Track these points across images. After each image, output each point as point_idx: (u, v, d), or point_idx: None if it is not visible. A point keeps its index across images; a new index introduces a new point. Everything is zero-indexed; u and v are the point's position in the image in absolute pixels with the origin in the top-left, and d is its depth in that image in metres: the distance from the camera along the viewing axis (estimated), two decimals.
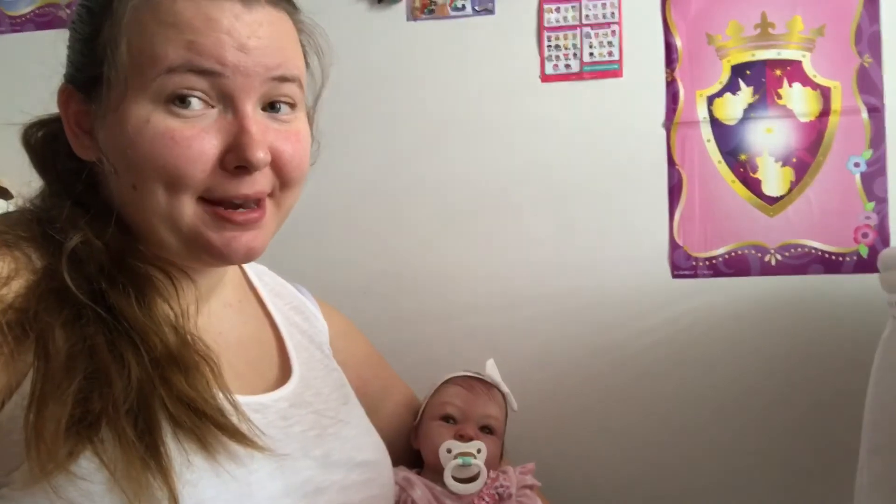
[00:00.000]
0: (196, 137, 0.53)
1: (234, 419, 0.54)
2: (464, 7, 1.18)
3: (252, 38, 0.54)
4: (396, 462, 0.76)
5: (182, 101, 0.53)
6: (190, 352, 0.54)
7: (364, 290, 1.15)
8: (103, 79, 0.54)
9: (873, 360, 0.89)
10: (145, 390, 0.50)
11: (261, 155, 0.54)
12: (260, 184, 0.56)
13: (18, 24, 1.28)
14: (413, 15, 1.19)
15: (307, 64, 0.62)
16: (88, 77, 0.56)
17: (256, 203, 0.57)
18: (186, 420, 0.51)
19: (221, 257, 0.57)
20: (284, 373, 0.67)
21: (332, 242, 1.19)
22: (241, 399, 0.58)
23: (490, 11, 1.17)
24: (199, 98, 0.53)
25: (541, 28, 1.16)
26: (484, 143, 1.17)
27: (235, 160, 0.54)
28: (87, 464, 0.47)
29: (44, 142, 0.61)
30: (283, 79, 0.56)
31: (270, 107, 0.57)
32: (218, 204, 0.56)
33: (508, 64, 1.16)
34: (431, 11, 1.18)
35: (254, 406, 0.59)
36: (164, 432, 0.50)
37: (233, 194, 0.55)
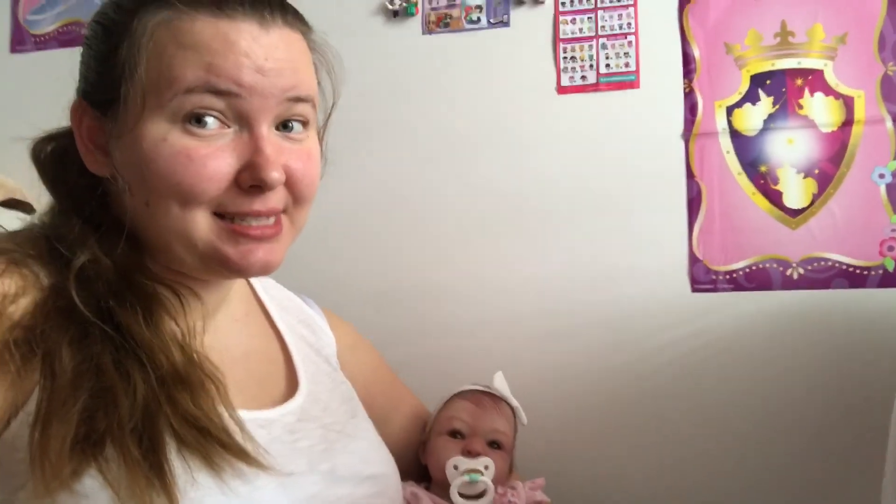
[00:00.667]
0: (212, 156, 0.54)
1: (239, 438, 0.54)
2: (479, 20, 1.18)
3: (269, 61, 0.55)
4: (405, 476, 0.75)
5: (199, 120, 0.54)
6: (196, 370, 0.55)
7: (376, 303, 1.15)
8: (120, 97, 0.55)
9: None
10: (151, 409, 0.50)
11: (275, 175, 0.55)
12: (273, 201, 0.57)
13: (42, 42, 1.32)
14: (428, 28, 1.19)
15: (318, 82, 0.62)
16: (104, 94, 0.56)
17: (270, 217, 0.58)
18: (191, 439, 0.51)
19: (239, 270, 0.57)
20: (291, 386, 0.67)
21: (345, 255, 1.18)
22: (248, 414, 0.58)
23: (505, 24, 1.17)
24: (215, 118, 0.54)
25: (556, 40, 1.16)
26: (500, 156, 1.16)
27: (250, 179, 0.55)
28: (91, 482, 0.47)
29: (53, 157, 0.61)
30: (298, 99, 0.57)
31: (283, 126, 0.58)
32: (231, 219, 0.56)
33: (524, 76, 1.15)
34: (447, 25, 1.19)
35: (260, 421, 0.59)
36: (168, 450, 0.50)
37: (246, 210, 0.56)
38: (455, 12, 1.18)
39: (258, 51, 0.54)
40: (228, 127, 0.55)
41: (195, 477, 0.50)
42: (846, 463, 1.03)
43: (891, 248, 1.07)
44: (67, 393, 0.49)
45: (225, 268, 0.57)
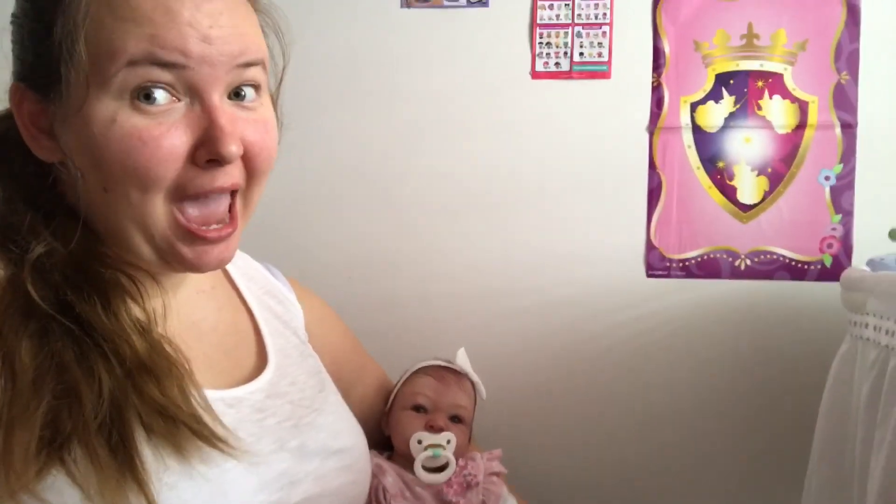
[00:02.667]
0: (165, 136, 0.50)
1: (209, 422, 0.52)
2: None
3: (214, 28, 0.51)
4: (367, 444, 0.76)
5: (147, 96, 0.50)
6: (160, 357, 0.53)
7: (345, 274, 1.14)
8: (61, 78, 0.50)
9: (830, 364, 0.91)
10: (118, 401, 0.48)
11: (233, 148, 0.52)
12: (233, 176, 0.54)
13: None
14: (407, 2, 1.17)
15: (268, 46, 0.59)
16: (43, 76, 0.52)
17: (228, 218, 0.56)
18: (160, 427, 0.49)
19: (193, 268, 0.56)
20: (261, 360, 0.66)
21: (316, 225, 1.16)
22: (216, 394, 0.56)
23: (484, 4, 1.15)
24: (164, 90, 0.50)
25: (533, 24, 1.15)
26: (471, 135, 1.15)
27: (207, 154, 0.52)
28: (59, 484, 0.46)
29: None
30: (248, 64, 0.54)
31: (235, 94, 0.54)
32: (194, 197, 0.53)
33: (499, 58, 1.14)
34: (426, 0, 1.16)
35: (228, 401, 0.58)
36: (138, 441, 0.48)
37: (207, 188, 0.53)
38: None
39: (202, 19, 0.51)
40: (179, 100, 0.51)
41: (167, 464, 0.49)
42: (779, 437, 1.10)
43: (830, 246, 1.12)
44: (29, 396, 0.46)
45: (179, 264, 0.55)
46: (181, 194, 0.53)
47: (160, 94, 0.50)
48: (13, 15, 0.55)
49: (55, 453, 0.46)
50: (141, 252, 0.55)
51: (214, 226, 0.55)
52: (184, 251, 0.54)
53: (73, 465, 0.46)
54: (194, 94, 0.52)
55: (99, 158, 0.50)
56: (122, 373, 0.50)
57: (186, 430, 0.50)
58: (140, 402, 0.49)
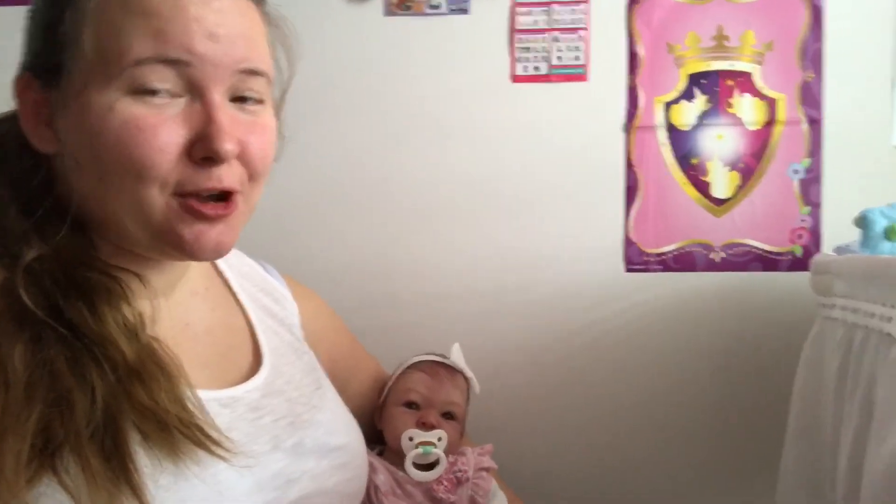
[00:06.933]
0: (162, 125, 0.48)
1: (201, 425, 0.49)
2: (439, 6, 1.12)
3: (221, 27, 0.49)
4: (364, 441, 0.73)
5: (149, 90, 0.48)
6: (149, 359, 0.50)
7: (334, 278, 1.10)
8: (65, 66, 0.49)
9: (802, 349, 0.90)
10: (111, 408, 0.46)
11: (229, 146, 0.49)
12: (229, 178, 0.51)
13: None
14: (389, 10, 1.13)
15: (274, 59, 0.56)
16: (48, 64, 0.50)
17: (226, 197, 0.52)
18: (151, 431, 0.47)
19: (191, 253, 0.52)
20: (256, 359, 0.63)
21: (305, 231, 1.13)
22: (210, 394, 0.53)
23: (465, 11, 1.12)
24: (166, 86, 0.49)
25: (512, 30, 1.12)
26: (454, 140, 1.12)
27: (203, 151, 0.49)
28: (52, 493, 0.43)
29: None
30: (252, 72, 0.52)
31: (238, 99, 0.52)
32: (189, 195, 0.50)
33: (480, 63, 1.11)
34: (408, 8, 1.13)
35: (223, 400, 0.55)
36: (133, 447, 0.46)
37: (203, 188, 0.50)
38: None
39: (209, 16, 0.49)
40: (180, 97, 0.49)
41: (163, 465, 0.47)
42: (755, 426, 1.08)
43: (800, 237, 1.10)
44: (21, 405, 0.44)
45: (177, 250, 0.52)
46: (179, 192, 0.50)
47: (162, 90, 0.49)
48: (29, 10, 0.54)
49: (47, 461, 0.43)
50: (136, 238, 0.52)
51: (211, 203, 0.52)
52: (183, 232, 0.51)
53: (64, 474, 0.43)
54: (195, 91, 0.50)
55: (95, 146, 0.49)
56: (115, 378, 0.47)
57: (176, 432, 0.48)
58: (132, 407, 0.47)
